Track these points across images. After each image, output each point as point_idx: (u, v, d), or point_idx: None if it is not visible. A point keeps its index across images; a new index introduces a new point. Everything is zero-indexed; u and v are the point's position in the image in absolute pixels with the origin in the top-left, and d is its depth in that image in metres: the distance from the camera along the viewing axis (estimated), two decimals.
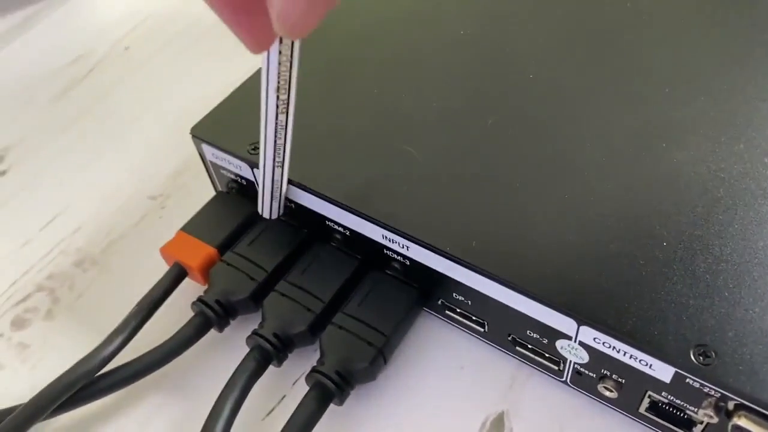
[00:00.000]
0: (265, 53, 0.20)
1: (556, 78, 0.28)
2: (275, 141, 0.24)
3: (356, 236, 0.26)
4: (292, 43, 0.20)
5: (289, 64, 0.21)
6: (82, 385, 0.25)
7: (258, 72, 0.30)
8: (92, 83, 0.40)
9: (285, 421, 0.24)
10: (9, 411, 0.25)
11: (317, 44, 0.31)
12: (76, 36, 0.43)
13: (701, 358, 0.20)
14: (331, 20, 0.32)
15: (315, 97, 0.29)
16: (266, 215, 0.28)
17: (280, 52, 0.20)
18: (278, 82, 0.21)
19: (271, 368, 0.26)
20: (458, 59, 0.30)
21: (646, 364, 0.21)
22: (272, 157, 0.24)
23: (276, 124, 0.23)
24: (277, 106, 0.22)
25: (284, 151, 0.24)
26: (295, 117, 0.23)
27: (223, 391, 0.24)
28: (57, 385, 0.24)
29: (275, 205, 0.27)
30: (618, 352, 0.22)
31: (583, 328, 0.22)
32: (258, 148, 0.25)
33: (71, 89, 0.40)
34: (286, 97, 0.22)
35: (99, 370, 0.25)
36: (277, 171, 0.25)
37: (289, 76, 0.21)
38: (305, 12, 0.17)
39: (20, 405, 0.25)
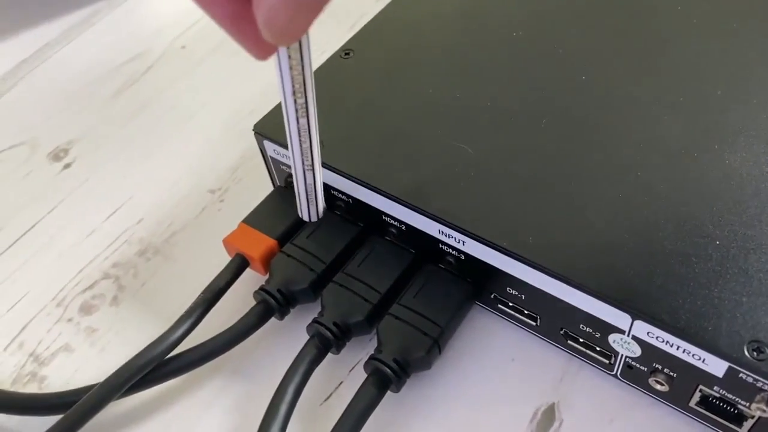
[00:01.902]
0: (276, 59, 0.20)
1: (609, 81, 0.29)
2: (300, 145, 0.23)
3: (412, 231, 0.27)
4: (300, 47, 0.20)
5: (300, 68, 0.21)
6: (152, 368, 0.26)
7: (322, 67, 0.32)
8: (151, 80, 0.41)
9: (341, 406, 0.25)
10: (82, 390, 0.27)
11: (376, 44, 0.32)
12: (135, 35, 0.44)
13: (755, 353, 0.21)
14: (390, 21, 0.34)
15: (372, 96, 0.30)
16: (305, 218, 0.28)
17: (289, 56, 0.20)
18: (293, 87, 0.21)
19: (329, 355, 0.27)
20: (512, 61, 0.31)
21: (699, 359, 0.22)
22: (300, 161, 0.24)
23: (298, 128, 0.23)
24: (297, 111, 0.22)
25: (312, 154, 0.24)
26: (318, 119, 0.23)
27: (285, 376, 0.25)
28: (130, 366, 0.26)
29: (312, 208, 0.27)
30: (671, 346, 0.22)
31: (638, 323, 0.23)
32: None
33: (131, 86, 0.41)
34: (303, 101, 0.22)
35: (168, 354, 0.27)
36: (308, 174, 0.25)
37: (303, 80, 0.21)
38: (291, 19, 0.16)
39: (92, 385, 0.26)
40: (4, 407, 0.27)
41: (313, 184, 0.26)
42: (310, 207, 0.27)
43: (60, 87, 0.42)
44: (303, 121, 0.22)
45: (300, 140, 0.23)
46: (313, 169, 0.25)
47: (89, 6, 0.47)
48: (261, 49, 0.18)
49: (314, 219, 0.28)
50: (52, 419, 0.26)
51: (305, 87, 0.21)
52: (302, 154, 0.24)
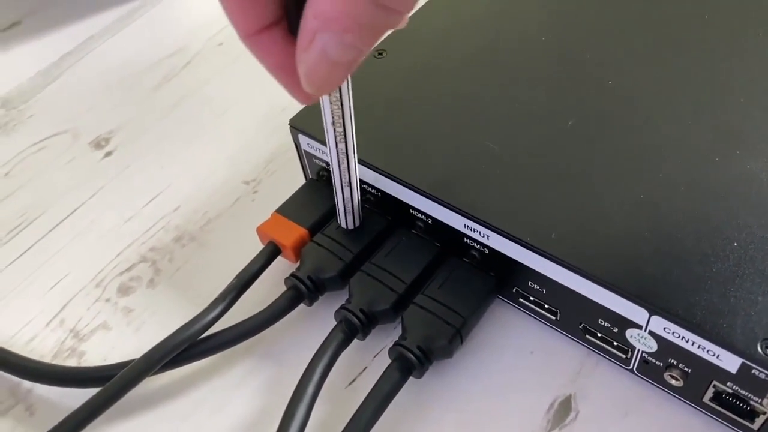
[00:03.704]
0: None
1: (634, 85, 0.30)
2: (339, 165, 0.27)
3: (438, 224, 0.28)
4: (339, 89, 0.23)
5: (339, 104, 0.24)
6: (186, 346, 0.28)
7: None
8: (189, 75, 0.43)
9: (365, 390, 0.26)
10: (120, 365, 0.28)
11: (408, 45, 0.34)
12: (174, 31, 0.46)
13: None
14: (422, 23, 0.35)
15: (403, 94, 0.31)
16: (344, 226, 0.30)
17: (329, 95, 0.24)
18: (332, 118, 0.25)
19: (355, 341, 0.28)
20: (540, 64, 0.32)
21: (714, 355, 0.23)
22: (339, 179, 0.27)
23: (337, 151, 0.26)
24: (335, 137, 0.25)
25: (349, 174, 0.27)
26: (356, 143, 0.26)
27: (313, 358, 0.27)
28: (166, 344, 0.27)
29: (350, 218, 0.30)
30: (687, 341, 0.23)
31: (655, 318, 0.23)
32: None
33: (170, 80, 0.43)
34: (342, 129, 0.25)
35: (202, 334, 0.28)
36: (346, 190, 0.28)
37: (341, 113, 0.25)
38: (327, 77, 0.19)
39: (129, 361, 0.28)
40: (46, 379, 0.29)
41: (350, 198, 0.29)
42: (347, 217, 0.30)
43: (102, 79, 0.44)
44: (341, 146, 0.26)
45: (338, 162, 0.26)
46: (350, 186, 0.28)
47: (130, 2, 0.49)
48: (304, 96, 0.21)
49: (351, 227, 0.30)
50: (90, 392, 0.27)
51: (344, 119, 0.25)
52: (341, 174, 0.27)
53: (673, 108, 0.29)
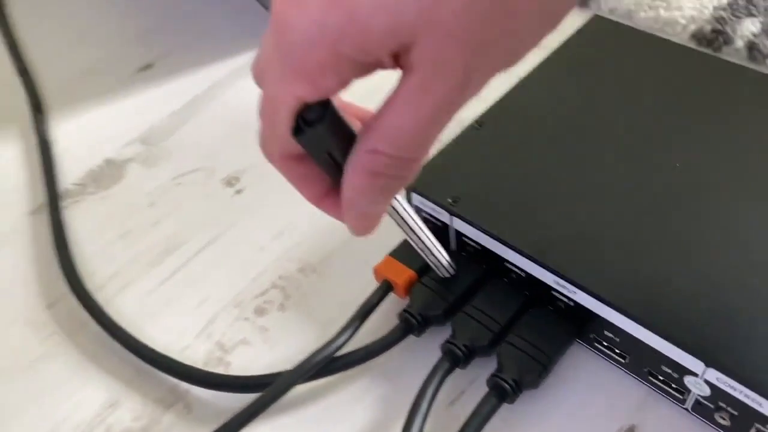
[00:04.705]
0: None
1: (699, 169, 0.36)
2: (417, 242, 0.34)
3: (530, 277, 0.35)
4: (395, 208, 0.31)
5: (398, 215, 0.32)
6: (323, 364, 0.34)
7: (459, 135, 0.39)
8: None
9: (463, 409, 0.32)
10: (265, 376, 0.35)
11: (504, 119, 0.40)
12: None
13: None
14: (515, 100, 0.41)
15: (501, 162, 0.38)
16: (442, 275, 0.37)
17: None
18: (397, 217, 0.32)
19: (456, 370, 0.34)
20: (620, 144, 0.38)
21: (757, 403, 0.28)
22: (424, 255, 0.35)
23: (411, 235, 0.33)
24: (407, 228, 0.33)
25: (426, 244, 0.34)
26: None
27: (426, 380, 0.33)
28: (310, 361, 0.34)
29: (443, 270, 0.36)
30: (735, 390, 0.29)
31: (710, 370, 0.29)
32: (457, 201, 0.35)
33: None
34: (406, 222, 0.32)
35: (335, 353, 0.35)
36: (431, 258, 0.35)
37: (403, 220, 0.32)
38: (367, 224, 0.27)
39: (271, 373, 0.35)
40: (204, 383, 0.36)
41: (437, 261, 0.35)
42: (441, 271, 0.36)
43: (228, 122, 0.51)
44: (412, 231, 0.33)
45: (417, 241, 0.34)
46: (432, 251, 0.35)
47: (255, 49, 0.56)
48: (365, 234, 0.29)
49: (446, 276, 0.37)
50: (238, 396, 0.34)
51: (406, 222, 0.32)
52: (422, 251, 0.34)
53: (732, 188, 0.35)
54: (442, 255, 0.35)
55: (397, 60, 0.22)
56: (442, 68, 0.21)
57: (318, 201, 0.27)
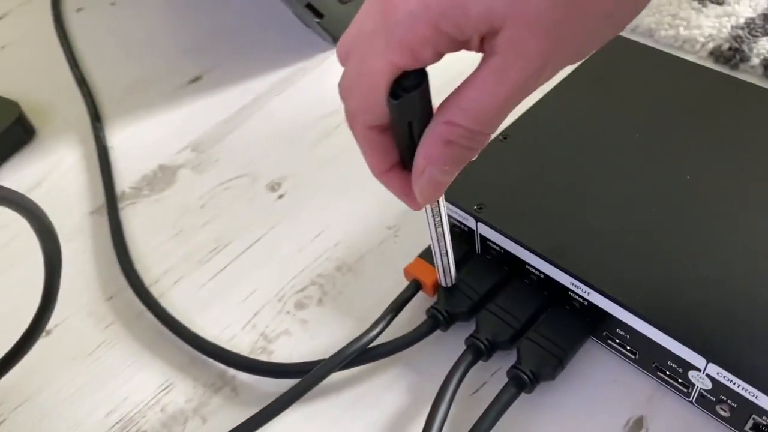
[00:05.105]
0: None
1: (709, 181, 0.39)
2: (438, 244, 0.36)
3: (549, 279, 0.38)
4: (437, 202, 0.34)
5: (437, 204, 0.34)
6: (357, 354, 0.38)
7: (486, 147, 0.42)
8: (341, 135, 0.53)
9: (485, 399, 0.35)
10: (305, 363, 0.38)
11: (528, 132, 0.43)
12: (330, 93, 0.57)
13: None
14: (539, 113, 0.44)
15: (524, 172, 0.41)
16: (443, 284, 0.40)
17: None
18: (433, 215, 0.34)
19: (478, 362, 0.38)
20: (636, 155, 0.41)
21: (754, 396, 0.31)
22: (438, 253, 0.37)
23: (436, 234, 0.36)
24: (435, 225, 0.35)
25: (445, 248, 0.37)
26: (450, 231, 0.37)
27: (451, 371, 0.36)
28: (347, 350, 0.37)
29: (448, 278, 0.39)
30: (734, 384, 0.32)
31: (711, 365, 0.32)
32: (482, 209, 0.38)
33: (326, 137, 0.53)
34: (439, 219, 0.35)
35: (369, 345, 0.38)
36: (444, 260, 0.38)
37: (439, 210, 0.34)
38: (433, 191, 0.29)
39: (312, 360, 0.38)
40: (250, 369, 0.40)
41: (448, 266, 0.38)
42: (446, 278, 0.39)
43: (271, 131, 0.55)
44: (439, 230, 0.35)
45: (438, 241, 0.36)
46: (447, 257, 0.37)
47: (297, 63, 0.60)
48: (417, 206, 0.31)
49: (448, 285, 0.40)
50: (281, 381, 0.38)
51: (441, 214, 0.35)
52: (439, 249, 0.37)
53: (737, 199, 0.37)
54: (452, 263, 0.38)
55: (482, 42, 0.25)
56: (523, 54, 0.24)
57: (382, 173, 0.30)
